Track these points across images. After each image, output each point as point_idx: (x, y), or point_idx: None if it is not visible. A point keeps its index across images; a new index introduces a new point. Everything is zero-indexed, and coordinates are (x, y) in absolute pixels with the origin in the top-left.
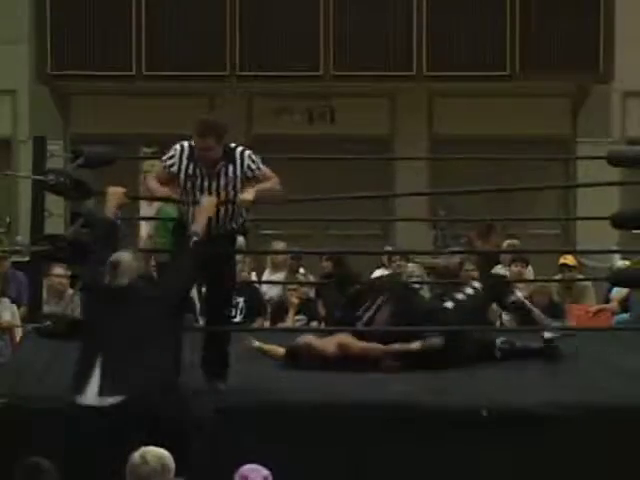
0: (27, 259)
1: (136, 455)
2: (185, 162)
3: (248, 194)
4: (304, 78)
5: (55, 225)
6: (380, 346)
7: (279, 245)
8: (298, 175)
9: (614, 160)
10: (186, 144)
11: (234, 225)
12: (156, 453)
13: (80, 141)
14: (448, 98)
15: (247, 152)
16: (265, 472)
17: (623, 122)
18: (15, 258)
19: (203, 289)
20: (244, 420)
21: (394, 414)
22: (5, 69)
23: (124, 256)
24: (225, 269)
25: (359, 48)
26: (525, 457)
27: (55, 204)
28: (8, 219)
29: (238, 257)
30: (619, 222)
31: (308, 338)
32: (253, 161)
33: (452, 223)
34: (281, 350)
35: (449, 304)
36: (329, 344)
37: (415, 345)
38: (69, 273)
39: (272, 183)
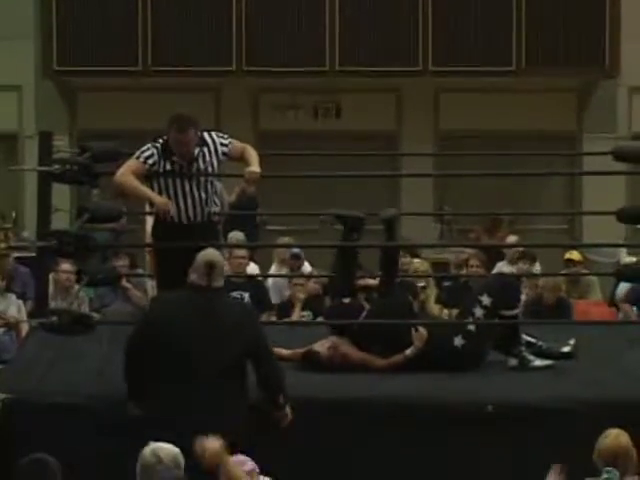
0: (33, 254)
1: (147, 453)
2: (162, 160)
3: (254, 167)
4: (310, 73)
5: (61, 220)
6: (380, 360)
7: (284, 241)
8: (303, 171)
9: (620, 156)
10: (159, 142)
11: (211, 209)
12: (168, 450)
13: (86, 136)
14: (454, 93)
15: (213, 132)
16: (250, 465)
17: (629, 118)
18: (20, 253)
19: None
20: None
21: (399, 410)
22: (11, 65)
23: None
24: None
25: (365, 43)
26: (531, 453)
27: (61, 199)
28: (14, 214)
29: (242, 252)
30: (625, 217)
31: (325, 351)
32: (223, 137)
33: (458, 218)
34: (286, 352)
35: (458, 340)
36: (334, 355)
37: (409, 351)
38: (76, 268)
39: (252, 150)
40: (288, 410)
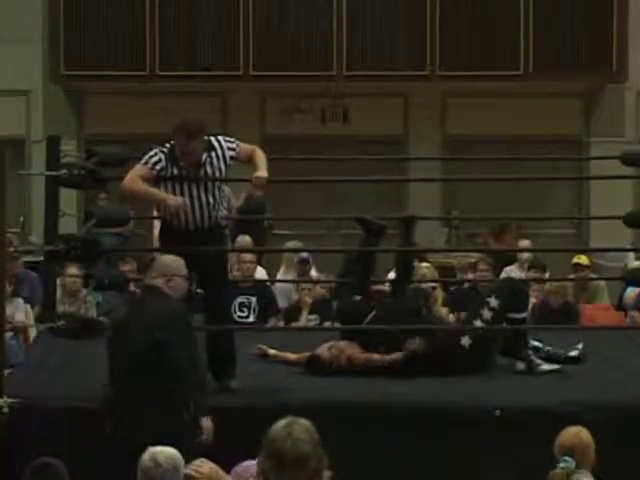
0: (41, 259)
1: (146, 457)
2: (170, 166)
3: (261, 172)
4: (317, 78)
5: (68, 225)
6: (380, 358)
7: (292, 245)
8: (310, 175)
9: (628, 160)
10: (166, 147)
11: (219, 214)
12: (167, 454)
13: (94, 141)
14: (461, 98)
15: (220, 136)
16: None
17: (637, 122)
18: (28, 258)
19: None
20: (257, 419)
21: (403, 413)
22: (19, 69)
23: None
24: (216, 266)
25: (372, 48)
26: (538, 457)
27: (68, 204)
28: (22, 219)
29: (250, 256)
30: (632, 221)
31: (326, 352)
32: (231, 142)
33: (465, 222)
34: (292, 357)
35: (465, 340)
36: (341, 357)
37: (397, 355)
38: (83, 273)
39: (260, 152)
40: (206, 423)
